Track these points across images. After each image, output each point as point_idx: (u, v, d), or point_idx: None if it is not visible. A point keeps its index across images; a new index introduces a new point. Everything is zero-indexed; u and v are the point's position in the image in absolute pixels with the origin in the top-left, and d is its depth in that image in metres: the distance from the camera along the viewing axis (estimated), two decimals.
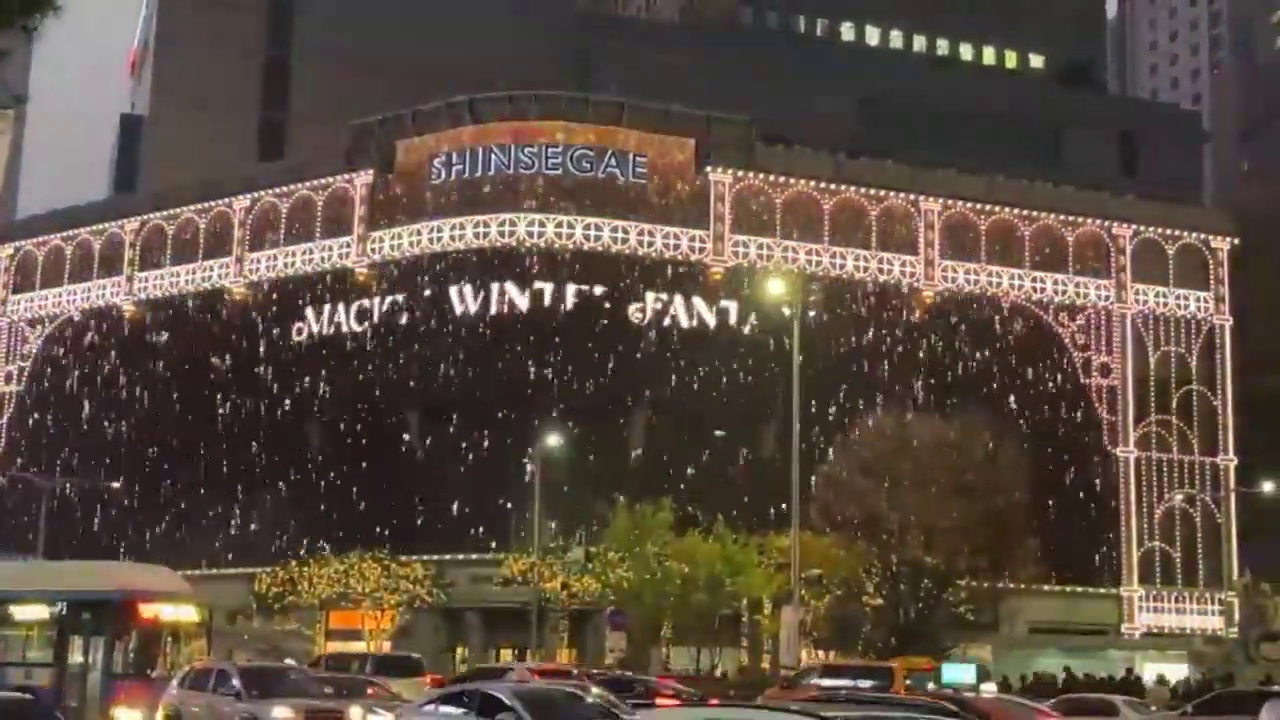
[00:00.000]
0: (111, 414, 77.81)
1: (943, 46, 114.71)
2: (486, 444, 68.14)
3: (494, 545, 64.50)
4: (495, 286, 68.99)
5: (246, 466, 72.77)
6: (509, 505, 65.59)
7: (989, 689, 36.83)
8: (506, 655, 65.89)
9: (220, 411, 74.29)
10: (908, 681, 39.41)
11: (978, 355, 73.55)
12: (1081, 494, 73.52)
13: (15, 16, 9.70)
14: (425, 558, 64.45)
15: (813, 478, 56.46)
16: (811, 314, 66.83)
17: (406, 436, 69.87)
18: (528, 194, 69.81)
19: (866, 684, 37.91)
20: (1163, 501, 74.72)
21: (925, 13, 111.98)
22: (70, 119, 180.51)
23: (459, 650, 67.31)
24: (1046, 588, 65.37)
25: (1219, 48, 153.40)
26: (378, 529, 66.54)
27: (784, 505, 49.63)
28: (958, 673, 42.25)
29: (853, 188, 73.19)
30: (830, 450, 60.44)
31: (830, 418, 65.92)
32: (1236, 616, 62.39)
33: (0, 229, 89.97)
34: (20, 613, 36.02)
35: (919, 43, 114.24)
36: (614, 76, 78.64)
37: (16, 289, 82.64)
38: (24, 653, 35.77)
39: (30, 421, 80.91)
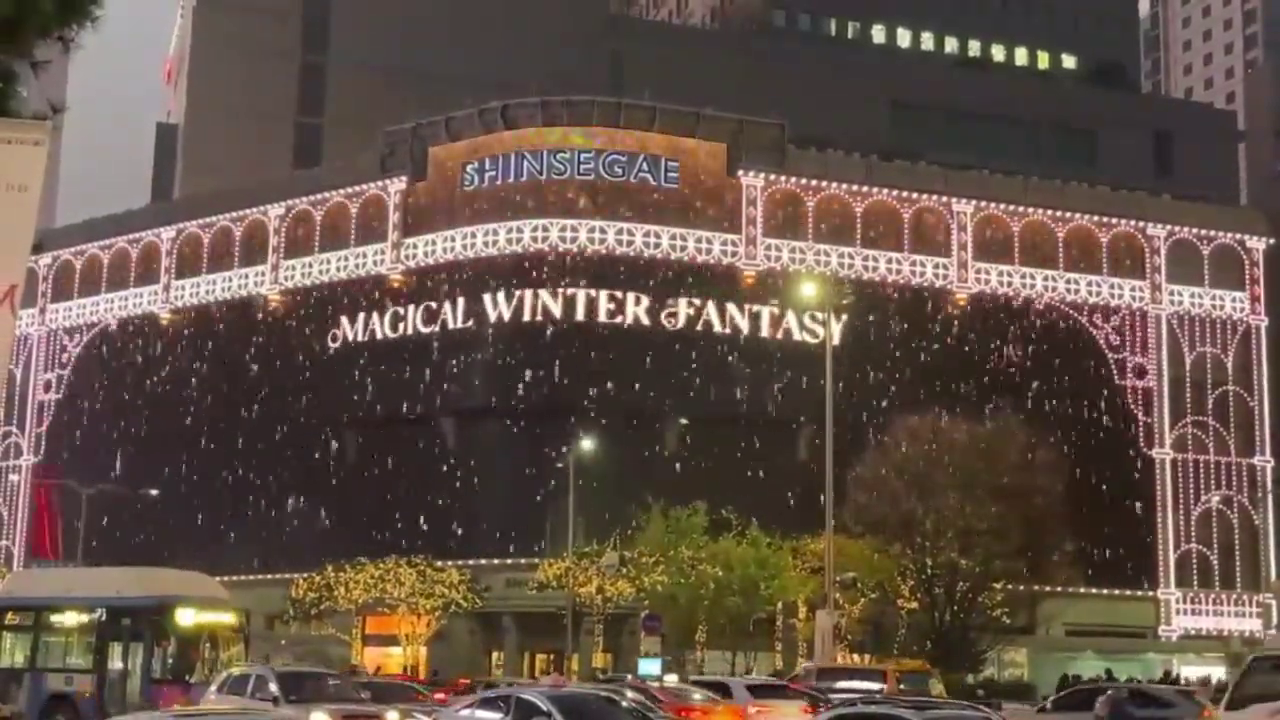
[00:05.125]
0: (149, 421, 78.31)
1: (974, 48, 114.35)
2: (521, 449, 68.35)
3: (529, 550, 64.69)
4: (528, 292, 69.21)
5: (283, 473, 73.20)
6: (544, 510, 65.84)
7: (670, 679, 42.76)
8: (541, 660, 66.25)
9: (256, 418, 74.71)
10: (901, 685, 39.40)
11: (1012, 357, 73.29)
12: (1118, 496, 73.14)
13: (53, 27, 9.86)
14: (461, 563, 64.68)
15: (853, 477, 56.36)
16: (844, 317, 66.85)
17: (441, 442, 70.18)
18: (560, 199, 70.01)
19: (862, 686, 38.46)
20: (1199, 503, 74.35)
21: (957, 14, 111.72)
22: (107, 128, 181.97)
23: (494, 655, 67.56)
24: (1083, 590, 65.06)
25: (1253, 46, 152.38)
26: (413, 534, 66.83)
27: (819, 508, 49.57)
28: (649, 666, 50.28)
29: (885, 190, 73.11)
30: (865, 453, 60.29)
31: (864, 421, 65.81)
32: (1274, 617, 62.06)
33: (39, 238, 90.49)
34: (61, 619, 36.37)
35: (950, 44, 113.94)
36: (645, 81, 78.68)
37: (55, 298, 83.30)
38: (64, 658, 36.15)
39: (69, 429, 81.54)
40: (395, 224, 72.36)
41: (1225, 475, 75.13)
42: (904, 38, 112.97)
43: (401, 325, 71.78)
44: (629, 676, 51.92)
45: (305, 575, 65.45)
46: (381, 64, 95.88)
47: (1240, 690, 26.27)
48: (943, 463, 55.28)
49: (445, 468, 69.42)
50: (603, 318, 69.09)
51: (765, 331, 70.32)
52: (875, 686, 39.31)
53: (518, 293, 69.33)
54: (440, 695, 40.61)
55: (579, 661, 61.71)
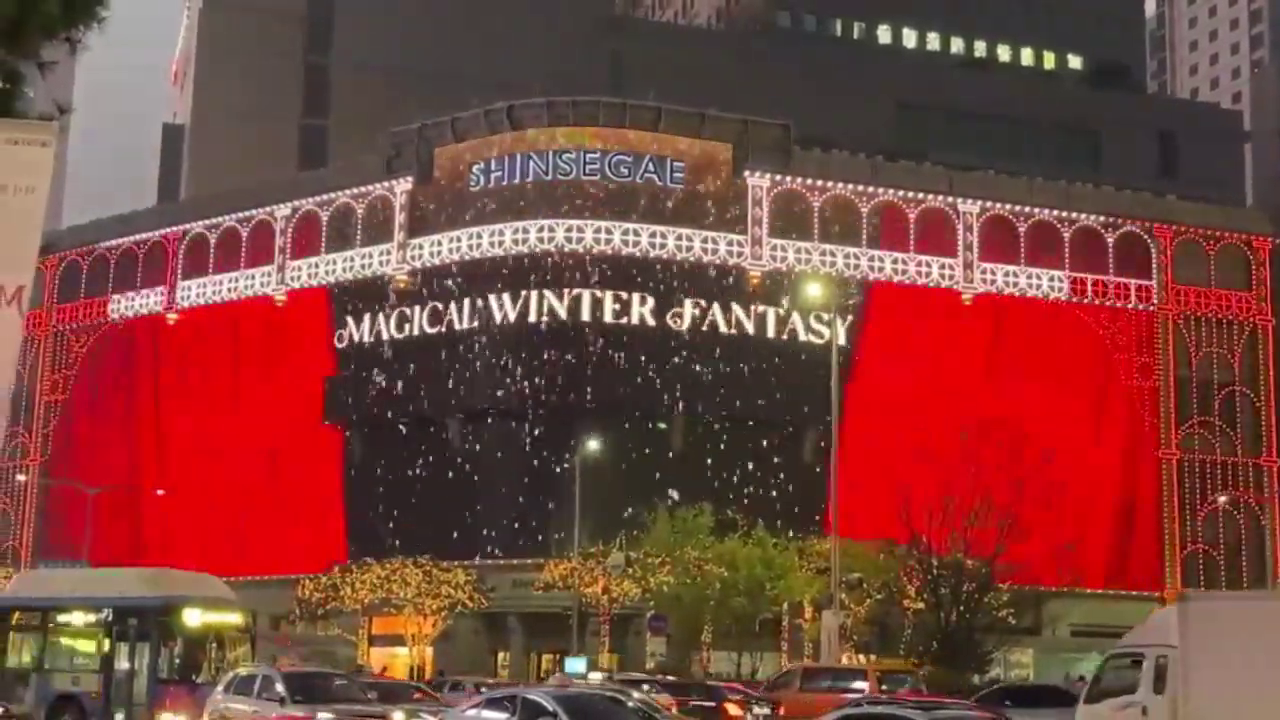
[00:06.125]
0: (157, 421, 78.37)
1: (980, 48, 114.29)
2: (527, 450, 68.40)
3: (535, 550, 64.70)
4: (534, 293, 69.25)
5: (289, 473, 73.21)
6: (549, 510, 65.87)
7: (595, 677, 45.00)
8: (547, 660, 66.27)
9: (262, 418, 74.71)
10: (883, 686, 39.48)
11: (1017, 357, 73.12)
12: (1124, 496, 73.04)
13: (59, 28, 9.89)
14: (467, 563, 64.70)
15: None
16: (850, 317, 66.82)
17: (447, 442, 70.20)
18: (566, 200, 70.03)
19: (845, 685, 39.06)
20: (1206, 504, 74.20)
21: (962, 14, 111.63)
22: (114, 129, 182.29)
23: (500, 655, 67.60)
24: (1089, 591, 65.00)
25: (1259, 46, 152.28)
26: (419, 534, 66.84)
27: (824, 508, 49.57)
28: (575, 665, 52.94)
29: (890, 190, 73.05)
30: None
31: (870, 421, 65.69)
32: None
33: (46, 239, 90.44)
34: (68, 619, 36.46)
35: (956, 44, 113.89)
36: (649, 81, 78.71)
37: (62, 298, 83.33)
38: (71, 659, 36.25)
39: (76, 429, 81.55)
40: (401, 225, 72.41)
41: (1232, 476, 75.00)
42: (909, 38, 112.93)
43: (407, 326, 71.83)
44: (557, 675, 52.46)
45: (312, 576, 65.53)
46: (386, 65, 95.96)
47: (1097, 686, 27.78)
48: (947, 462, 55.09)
49: (451, 468, 69.42)
50: (608, 318, 69.10)
51: (771, 332, 70.29)
52: (861, 686, 39.53)
53: (524, 293, 69.35)
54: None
55: (585, 662, 61.73)
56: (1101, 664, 28.93)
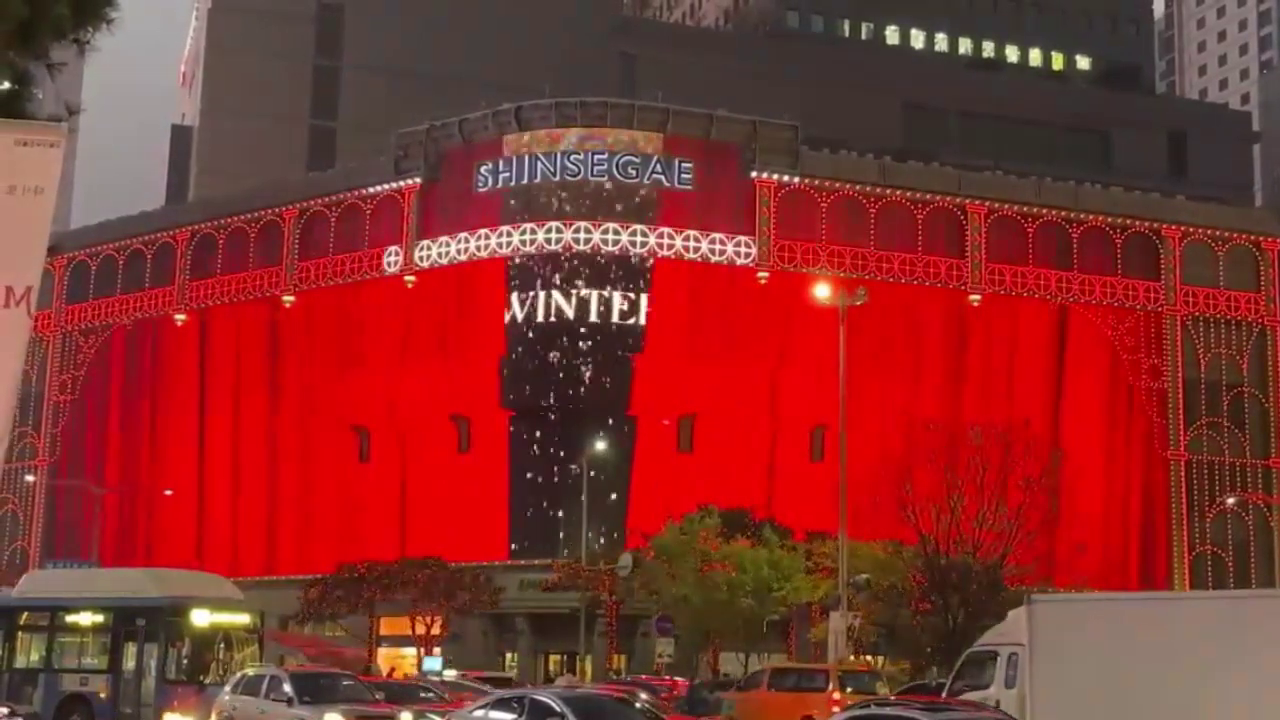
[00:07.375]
0: (165, 422, 78.45)
1: (988, 49, 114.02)
2: (535, 449, 68.39)
3: (542, 551, 64.69)
4: (541, 293, 69.28)
5: (297, 474, 73.29)
6: (557, 510, 65.84)
7: (450, 674, 47.19)
8: (555, 661, 66.29)
9: (270, 419, 74.82)
10: (849, 689, 39.47)
11: (1026, 358, 73.10)
12: (1132, 498, 72.95)
13: (68, 30, 9.89)
14: (474, 563, 64.71)
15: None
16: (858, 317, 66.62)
17: (455, 442, 70.21)
18: (574, 201, 70.04)
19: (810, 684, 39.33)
20: (1214, 505, 74.08)
21: (970, 15, 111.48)
22: (122, 130, 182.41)
23: (508, 655, 67.61)
24: (1098, 592, 64.71)
25: (1268, 47, 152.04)
26: (427, 534, 66.86)
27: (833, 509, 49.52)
28: (432, 663, 56.62)
29: (899, 191, 73.01)
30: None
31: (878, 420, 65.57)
32: None
33: (54, 239, 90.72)
34: (76, 619, 36.51)
35: (964, 45, 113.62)
36: (657, 83, 78.68)
37: (70, 299, 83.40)
38: (79, 659, 36.30)
39: (85, 430, 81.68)
40: (409, 225, 72.46)
41: (1240, 477, 74.88)
42: (917, 39, 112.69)
43: (416, 326, 71.84)
44: (417, 674, 53.14)
45: (320, 576, 65.51)
46: (394, 67, 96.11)
47: (959, 680, 29.75)
48: (957, 463, 54.98)
49: (459, 468, 69.44)
50: (616, 319, 69.11)
51: (779, 332, 70.19)
52: (819, 684, 39.64)
53: (531, 293, 69.40)
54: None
55: (592, 663, 61.73)
56: (962, 660, 30.87)
